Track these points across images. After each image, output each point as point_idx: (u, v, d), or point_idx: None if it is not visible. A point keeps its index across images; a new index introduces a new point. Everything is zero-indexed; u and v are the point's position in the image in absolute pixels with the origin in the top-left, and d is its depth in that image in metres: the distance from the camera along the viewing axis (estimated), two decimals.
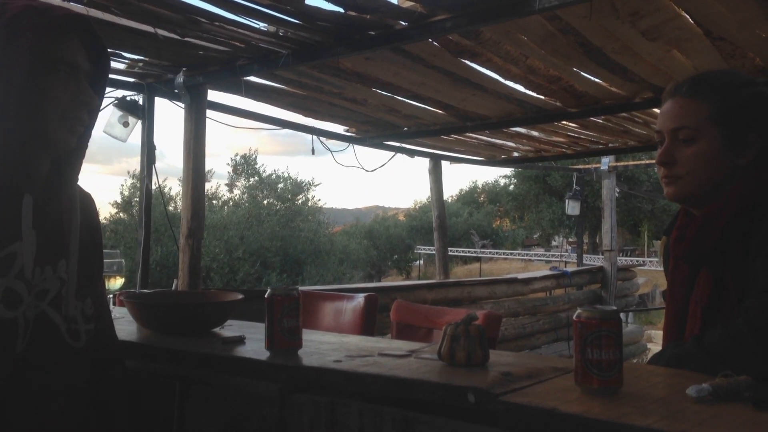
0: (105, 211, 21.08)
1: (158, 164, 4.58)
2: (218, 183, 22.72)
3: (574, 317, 1.15)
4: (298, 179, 23.35)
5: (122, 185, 21.19)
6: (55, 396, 1.29)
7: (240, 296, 1.79)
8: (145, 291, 2.35)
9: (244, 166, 23.07)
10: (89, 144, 1.42)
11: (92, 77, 1.33)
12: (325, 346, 1.53)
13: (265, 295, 1.45)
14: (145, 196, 4.54)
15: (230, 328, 1.78)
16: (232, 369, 1.47)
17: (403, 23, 3.32)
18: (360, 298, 2.77)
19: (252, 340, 1.61)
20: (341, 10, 3.16)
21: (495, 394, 1.12)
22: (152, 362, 1.62)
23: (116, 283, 1.96)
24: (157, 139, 4.56)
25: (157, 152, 4.58)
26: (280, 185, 22.92)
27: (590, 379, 1.12)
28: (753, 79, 1.51)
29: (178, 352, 1.55)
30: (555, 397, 1.10)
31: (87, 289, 1.39)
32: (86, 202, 1.47)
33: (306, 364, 1.37)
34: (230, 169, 23.14)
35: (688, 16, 3.30)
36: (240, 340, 1.60)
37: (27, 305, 1.23)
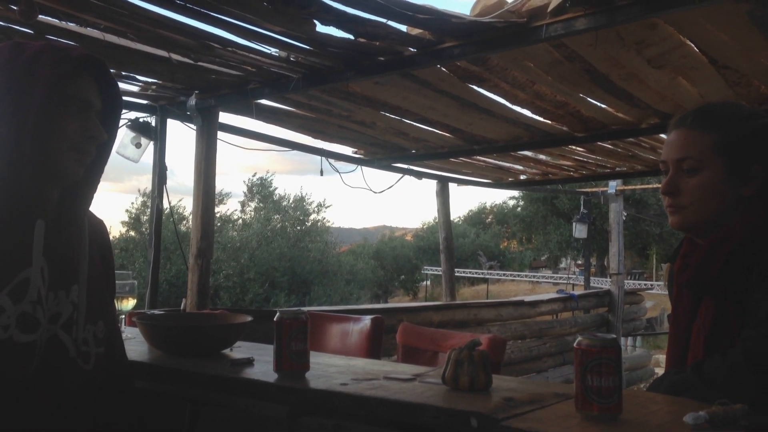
0: (116, 230, 21.20)
1: (168, 183, 4.64)
2: (235, 208, 22.90)
3: (574, 345, 1.18)
4: (308, 199, 23.49)
5: (132, 203, 21.36)
6: (63, 416, 1.33)
7: (249, 318, 1.83)
8: (157, 312, 2.39)
9: (259, 187, 23.22)
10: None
11: (104, 115, 1.41)
12: (332, 368, 1.57)
13: (274, 319, 1.49)
14: (155, 216, 4.60)
15: (239, 350, 1.82)
16: (242, 391, 1.50)
17: (412, 50, 3.38)
18: (366, 321, 2.79)
19: (261, 362, 1.64)
20: (351, 36, 3.22)
21: (497, 419, 1.15)
22: (163, 383, 1.66)
23: (128, 304, 2.00)
24: (168, 158, 4.63)
25: (167, 172, 4.65)
26: (291, 206, 23.06)
27: (590, 406, 1.15)
28: (756, 111, 1.55)
29: (189, 374, 1.59)
30: (555, 422, 1.13)
31: (99, 312, 1.43)
32: (98, 228, 1.53)
33: (313, 386, 1.41)
34: (245, 189, 23.35)
35: (693, 45, 3.34)
36: (249, 362, 1.64)
37: (42, 329, 1.28)
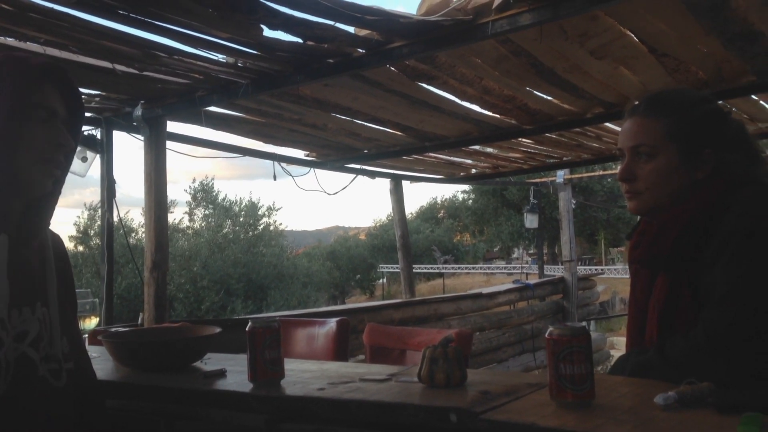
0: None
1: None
2: (183, 216, 22.43)
3: (546, 335, 1.22)
4: (259, 204, 23.24)
5: (78, 217, 20.79)
6: None
7: (218, 329, 1.82)
8: (120, 329, 2.35)
9: (203, 193, 22.85)
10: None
11: (68, 124, 1.39)
12: (306, 374, 1.57)
13: (246, 328, 1.49)
14: (106, 231, 4.50)
15: (210, 362, 1.80)
16: (217, 403, 1.49)
17: (361, 51, 3.39)
18: (332, 323, 2.80)
19: (233, 372, 1.63)
20: (300, 40, 3.21)
21: (476, 413, 1.17)
22: (134, 400, 1.63)
23: (91, 323, 1.96)
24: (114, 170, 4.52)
25: (115, 185, 4.55)
26: (241, 211, 22.78)
27: (564, 394, 1.18)
28: (707, 96, 1.61)
29: (162, 389, 1.57)
30: (533, 412, 1.16)
31: (63, 329, 1.41)
32: (56, 242, 1.50)
33: (290, 393, 1.41)
34: (189, 198, 22.94)
35: (632, 35, 3.44)
36: (221, 374, 1.62)
37: (7, 348, 1.25)
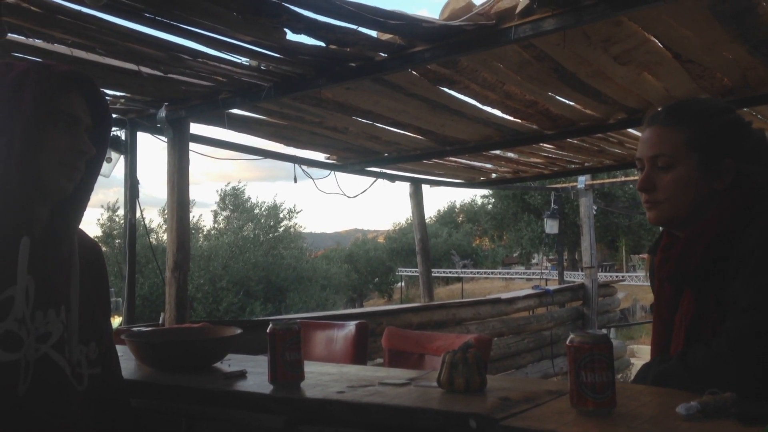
0: None
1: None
2: (201, 213, 22.71)
3: (567, 342, 1.21)
4: (281, 206, 23.40)
5: (99, 218, 21.07)
6: None
7: (239, 330, 1.83)
8: (143, 328, 2.37)
9: (232, 197, 23.08)
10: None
11: (94, 132, 1.41)
12: (326, 377, 1.57)
13: (267, 330, 1.50)
14: (128, 231, 4.55)
15: (230, 362, 1.82)
16: (237, 404, 1.50)
17: (383, 55, 3.40)
18: (351, 327, 2.81)
19: (253, 373, 1.64)
20: (323, 44, 3.23)
21: (496, 419, 1.17)
22: (156, 399, 1.65)
23: (114, 322, 1.98)
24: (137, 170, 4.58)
25: (138, 186, 4.60)
26: (264, 213, 22.94)
27: (585, 401, 1.18)
28: (727, 106, 1.59)
29: (183, 389, 1.58)
30: (553, 419, 1.16)
31: (91, 333, 1.43)
32: (90, 248, 1.52)
33: (310, 396, 1.41)
34: (218, 199, 23.23)
35: (657, 41, 3.42)
36: (242, 375, 1.63)
37: (27, 348, 1.27)
